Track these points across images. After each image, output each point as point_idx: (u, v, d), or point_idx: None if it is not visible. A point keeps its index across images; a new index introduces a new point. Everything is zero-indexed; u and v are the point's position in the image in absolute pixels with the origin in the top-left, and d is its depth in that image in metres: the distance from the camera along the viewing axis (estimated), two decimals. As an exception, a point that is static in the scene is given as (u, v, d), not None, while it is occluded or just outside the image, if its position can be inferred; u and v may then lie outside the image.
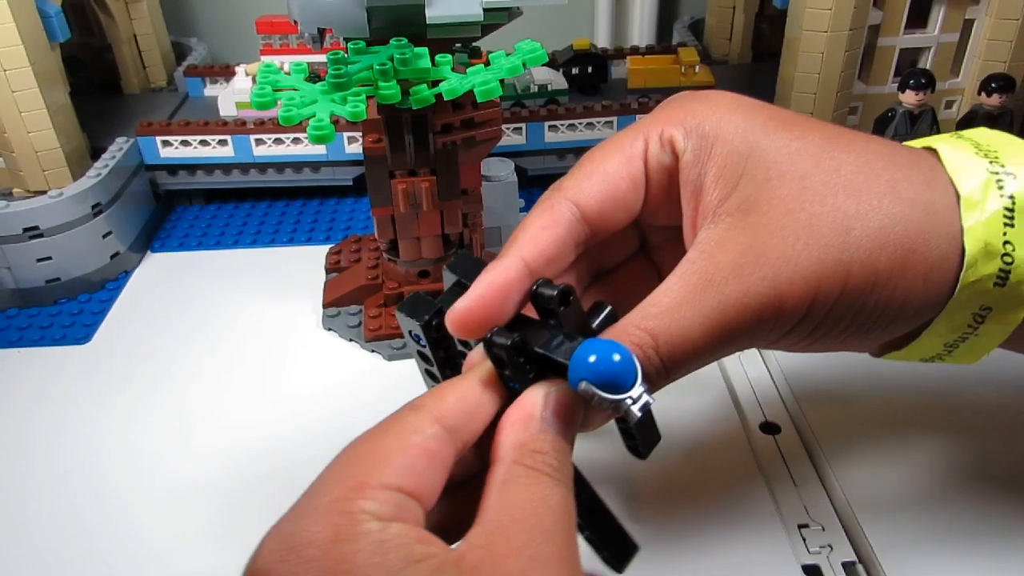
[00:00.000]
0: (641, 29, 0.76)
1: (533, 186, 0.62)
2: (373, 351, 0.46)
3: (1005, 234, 0.24)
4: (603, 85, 0.62)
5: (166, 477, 0.38)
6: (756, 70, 0.66)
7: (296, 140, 0.57)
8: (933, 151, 0.26)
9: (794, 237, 0.24)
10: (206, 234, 0.58)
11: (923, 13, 0.50)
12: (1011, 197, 0.25)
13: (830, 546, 0.34)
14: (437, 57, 0.36)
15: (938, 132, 0.47)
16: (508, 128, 0.57)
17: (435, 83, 0.36)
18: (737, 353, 0.36)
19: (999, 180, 0.25)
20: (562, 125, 0.57)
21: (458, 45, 0.40)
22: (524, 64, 0.35)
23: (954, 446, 0.38)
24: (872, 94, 0.52)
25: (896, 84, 0.51)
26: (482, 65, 0.36)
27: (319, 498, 0.20)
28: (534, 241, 0.26)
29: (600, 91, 0.62)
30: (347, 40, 0.37)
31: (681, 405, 0.41)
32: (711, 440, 0.39)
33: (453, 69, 0.37)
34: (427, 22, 0.36)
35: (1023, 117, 0.52)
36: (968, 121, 0.49)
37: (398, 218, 0.44)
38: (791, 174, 0.25)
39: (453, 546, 0.20)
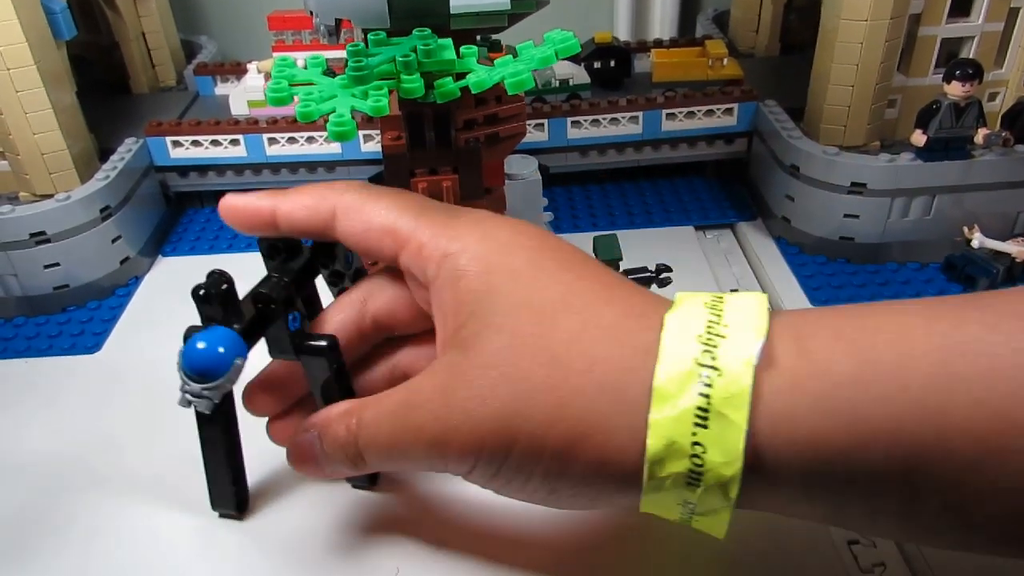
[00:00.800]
0: (663, 21, 0.74)
1: (555, 184, 0.60)
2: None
3: (695, 434, 0.23)
4: (626, 80, 0.60)
5: (184, 491, 0.36)
6: (784, 63, 0.64)
7: (311, 139, 0.55)
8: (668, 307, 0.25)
9: (479, 390, 0.25)
10: (218, 237, 0.57)
11: (966, 1, 0.47)
12: (707, 396, 0.23)
13: (883, 564, 0.32)
14: (462, 48, 0.34)
15: (984, 125, 0.45)
16: (530, 124, 0.55)
17: (460, 76, 0.34)
18: None
19: (703, 375, 0.23)
20: (585, 121, 0.55)
21: (478, 38, 0.38)
22: (556, 54, 0.33)
23: None
24: (912, 86, 0.50)
25: (937, 76, 0.48)
26: (509, 57, 0.34)
27: None
28: (292, 204, 0.31)
29: (623, 86, 0.60)
30: (366, 31, 0.35)
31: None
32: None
33: (479, 61, 0.35)
34: (451, 11, 0.34)
35: (1072, 109, 0.50)
36: (1015, 115, 0.47)
37: (419, 219, 0.42)
38: (508, 328, 0.25)
39: None
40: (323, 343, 0.31)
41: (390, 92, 0.33)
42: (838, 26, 0.47)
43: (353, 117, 0.31)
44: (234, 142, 0.55)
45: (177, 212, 0.59)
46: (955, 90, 0.44)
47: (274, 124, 0.55)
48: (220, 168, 0.57)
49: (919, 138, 0.46)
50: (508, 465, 0.25)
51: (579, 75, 0.58)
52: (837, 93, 0.49)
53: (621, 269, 0.40)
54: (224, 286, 0.30)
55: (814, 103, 0.51)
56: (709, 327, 0.24)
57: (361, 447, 0.28)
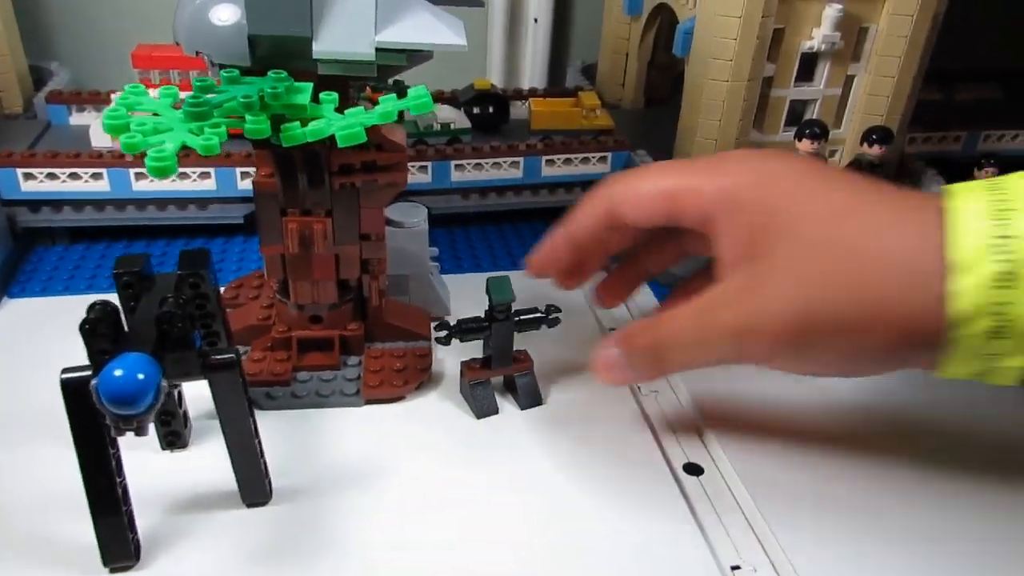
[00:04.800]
0: (533, 71, 0.77)
1: (437, 225, 0.61)
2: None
3: (999, 295, 0.26)
4: (504, 125, 0.62)
5: (59, 545, 0.33)
6: (649, 115, 0.69)
7: (183, 175, 0.53)
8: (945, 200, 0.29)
9: (778, 287, 0.30)
10: (73, 277, 0.53)
11: (811, 68, 0.53)
12: (1008, 261, 0.26)
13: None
14: (322, 95, 0.33)
15: (829, 179, 0.50)
16: (413, 166, 0.56)
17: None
18: (654, 394, 0.44)
19: (1000, 244, 0.26)
20: (468, 164, 0.56)
21: (390, 81, 0.38)
22: (408, 111, 0.33)
23: (882, 476, 0.39)
24: (766, 142, 0.55)
25: (788, 133, 0.53)
26: (393, 96, 0.34)
27: None
28: (576, 220, 0.38)
29: (501, 131, 0.62)
30: (222, 68, 0.34)
31: (607, 449, 0.41)
32: (636, 484, 0.39)
33: (356, 104, 0.34)
34: (313, 56, 0.34)
35: (896, 166, 0.56)
36: (854, 170, 0.53)
37: (289, 258, 0.42)
38: (793, 236, 0.30)
39: None
40: (231, 355, 0.32)
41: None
42: (704, 84, 0.51)
43: (226, 154, 0.30)
44: (96, 175, 0.51)
45: (25, 249, 0.55)
46: (805, 147, 0.49)
47: (142, 157, 0.52)
48: (78, 203, 0.53)
49: (775, 189, 0.50)
50: (808, 346, 0.30)
51: (460, 120, 0.59)
52: (702, 146, 0.53)
53: (513, 310, 0.41)
54: (112, 315, 0.30)
55: (680, 154, 0.55)
56: (996, 203, 0.27)
57: (665, 348, 0.33)
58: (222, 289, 0.50)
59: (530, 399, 0.43)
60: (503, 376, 0.44)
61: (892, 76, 0.52)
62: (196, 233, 0.57)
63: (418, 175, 0.56)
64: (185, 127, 0.31)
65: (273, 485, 0.37)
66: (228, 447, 0.35)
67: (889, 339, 0.29)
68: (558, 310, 0.43)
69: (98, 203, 0.53)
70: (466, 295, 0.51)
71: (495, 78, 0.77)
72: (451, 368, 0.46)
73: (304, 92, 0.33)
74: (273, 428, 0.42)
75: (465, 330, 0.41)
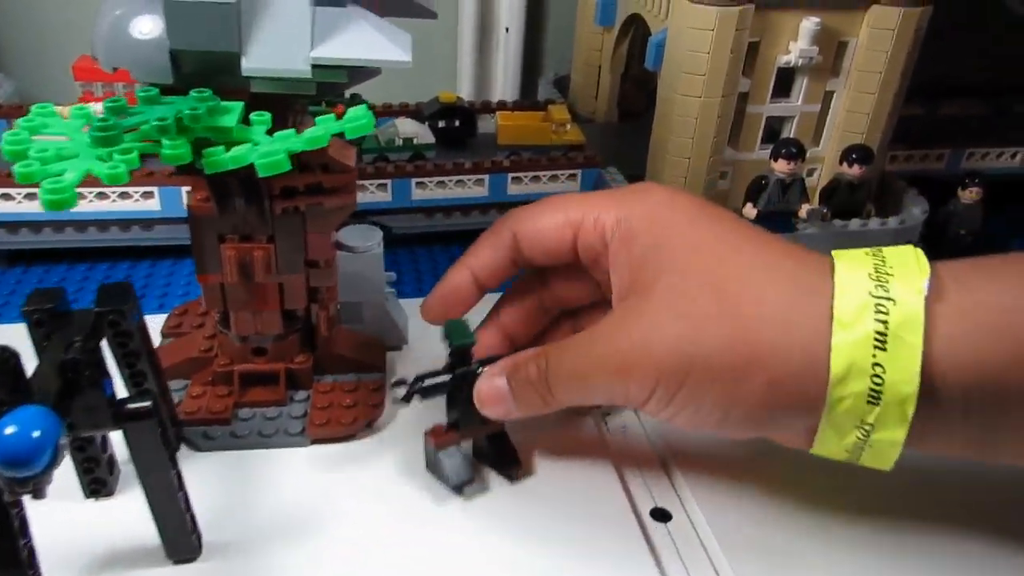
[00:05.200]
0: (505, 84, 0.74)
1: (398, 246, 0.58)
2: (183, 437, 0.39)
3: (875, 356, 0.26)
4: (471, 140, 0.59)
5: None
6: (623, 130, 0.66)
7: (124, 195, 0.50)
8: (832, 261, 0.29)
9: (655, 322, 0.29)
10: (8, 303, 0.49)
11: (788, 83, 0.51)
12: (884, 323, 0.26)
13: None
14: (253, 116, 0.31)
15: (807, 201, 0.48)
16: (371, 184, 0.53)
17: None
18: (623, 435, 0.41)
19: (878, 305, 0.27)
20: (430, 182, 0.53)
21: (347, 95, 0.36)
22: (344, 133, 0.30)
23: (854, 528, 0.37)
24: (742, 160, 0.52)
25: (764, 151, 0.51)
26: (331, 117, 0.31)
27: None
28: (479, 256, 0.36)
29: (468, 146, 0.59)
30: (142, 86, 0.31)
31: (568, 491, 0.38)
32: (598, 532, 0.36)
33: (297, 125, 0.32)
34: (243, 74, 0.31)
35: (878, 183, 0.54)
36: (832, 190, 0.50)
37: (228, 287, 0.39)
38: (679, 269, 0.30)
39: None
40: (148, 403, 0.29)
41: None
42: (675, 100, 0.48)
43: (170, 173, 0.27)
44: (30, 196, 0.48)
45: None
46: (781, 167, 0.46)
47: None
48: (12, 225, 0.50)
49: (750, 211, 0.48)
50: (684, 389, 0.29)
51: (423, 134, 0.56)
52: (674, 164, 0.50)
53: (475, 359, 0.36)
54: (9, 361, 0.27)
55: (653, 172, 0.52)
56: (876, 267, 0.28)
57: (550, 380, 0.32)
58: (164, 317, 0.47)
59: (508, 464, 0.38)
60: (473, 441, 0.38)
61: (872, 92, 0.49)
62: (143, 255, 0.54)
63: (377, 193, 0.53)
64: (93, 153, 0.28)
65: (204, 538, 0.34)
66: (148, 501, 0.32)
67: (765, 392, 0.28)
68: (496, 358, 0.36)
69: (34, 225, 0.50)
70: (424, 322, 0.49)
71: (465, 90, 0.74)
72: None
73: (231, 113, 0.30)
74: (209, 471, 0.39)
75: (428, 387, 0.36)
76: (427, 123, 0.57)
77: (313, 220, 0.39)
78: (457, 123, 0.58)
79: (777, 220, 0.48)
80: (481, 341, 0.37)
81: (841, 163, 0.49)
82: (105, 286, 0.33)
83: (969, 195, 0.57)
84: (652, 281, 0.30)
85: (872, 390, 0.27)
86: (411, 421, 0.42)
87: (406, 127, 0.55)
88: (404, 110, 0.60)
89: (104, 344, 0.32)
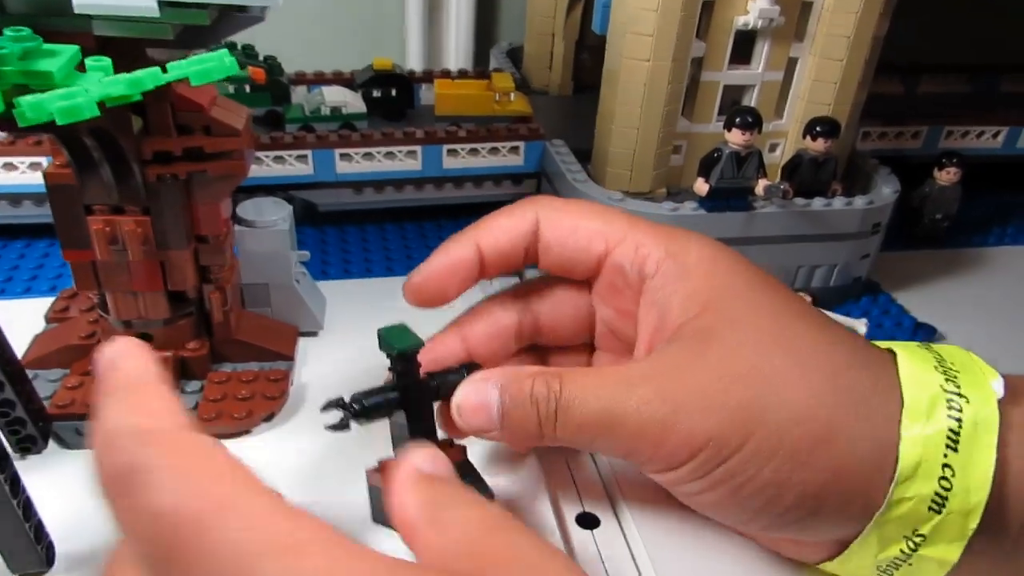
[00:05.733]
0: (456, 53, 0.70)
1: (327, 223, 0.53)
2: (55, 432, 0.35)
3: (945, 455, 0.24)
4: (410, 111, 0.54)
5: None
6: (578, 102, 0.61)
7: (9, 166, 0.45)
8: (891, 353, 0.26)
9: (720, 378, 0.25)
10: None
11: (748, 48, 0.46)
12: (958, 420, 0.24)
13: None
14: (89, 61, 0.26)
15: (765, 176, 0.43)
16: (291, 155, 0.48)
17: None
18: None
19: (950, 400, 0.24)
20: (357, 154, 0.49)
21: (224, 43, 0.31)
22: (189, 78, 0.25)
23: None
24: (696, 132, 0.48)
25: (720, 122, 0.47)
26: (182, 63, 0.26)
27: None
28: (493, 232, 0.30)
29: (406, 117, 0.54)
30: None
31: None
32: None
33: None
34: (74, 11, 0.26)
35: (847, 162, 0.50)
36: (794, 167, 0.46)
37: (100, 266, 0.34)
38: (751, 325, 0.26)
39: None
40: None
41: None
42: (621, 64, 0.44)
43: None
44: None
45: None
46: (735, 138, 0.42)
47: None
48: None
49: (701, 187, 0.43)
50: (735, 461, 0.24)
51: (354, 103, 0.51)
52: (622, 135, 0.46)
53: (433, 370, 0.29)
54: None
55: (600, 145, 0.48)
56: (939, 361, 0.25)
57: (562, 410, 0.26)
58: (51, 300, 0.42)
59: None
60: None
61: (840, 59, 0.45)
62: (40, 233, 0.49)
63: (297, 166, 0.48)
64: None
65: (60, 548, 0.30)
66: None
67: (827, 479, 0.24)
68: (477, 367, 0.30)
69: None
70: (351, 306, 0.44)
71: (414, 60, 0.69)
72: (315, 393, 0.39)
73: (56, 57, 0.25)
74: (79, 472, 0.34)
75: (367, 407, 0.28)
76: (360, 92, 0.53)
77: (199, 189, 0.35)
78: (393, 92, 0.53)
79: (731, 197, 0.43)
80: (435, 349, 0.30)
81: (804, 136, 0.45)
82: None
83: (946, 176, 0.52)
84: (712, 329, 0.26)
85: (937, 495, 0.24)
86: (317, 416, 0.37)
87: (334, 95, 0.51)
88: (338, 78, 0.55)
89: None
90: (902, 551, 0.25)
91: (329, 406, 0.28)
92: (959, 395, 0.24)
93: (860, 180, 0.50)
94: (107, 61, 0.26)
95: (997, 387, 0.24)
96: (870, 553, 0.25)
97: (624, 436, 0.26)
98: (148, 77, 0.24)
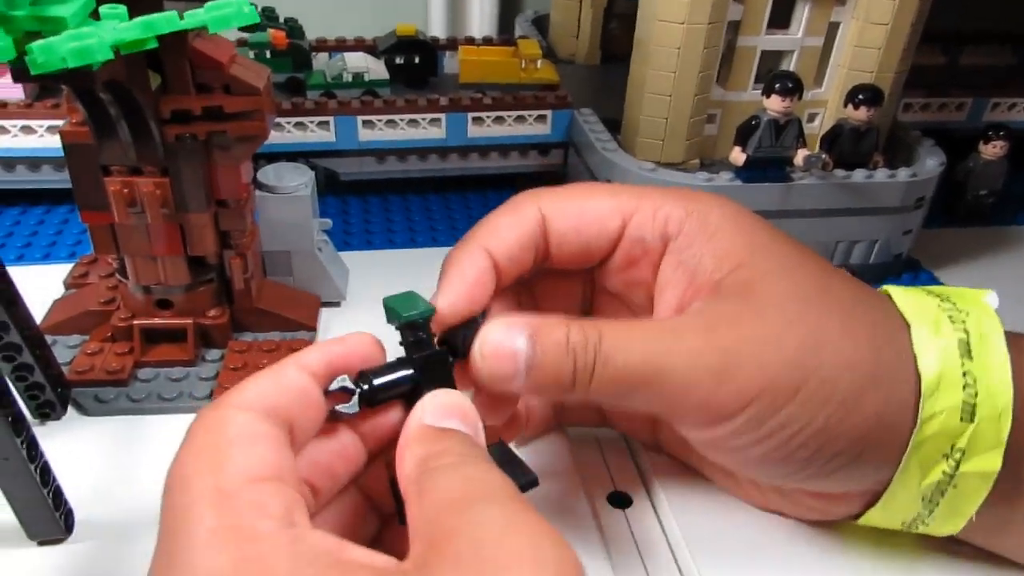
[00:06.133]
0: (481, 20, 0.68)
1: (349, 193, 0.52)
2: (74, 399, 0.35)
3: (963, 364, 0.24)
4: (432, 79, 0.53)
5: None
6: (605, 72, 0.60)
7: (27, 129, 0.44)
8: (884, 293, 0.27)
9: (771, 326, 0.24)
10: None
11: (787, 12, 0.44)
12: (964, 331, 0.25)
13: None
14: (104, 8, 0.24)
15: (804, 146, 0.42)
16: (313, 122, 0.47)
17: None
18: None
19: (951, 315, 0.25)
20: (379, 121, 0.47)
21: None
22: (207, 25, 0.24)
23: (825, 536, 0.31)
24: (732, 101, 0.46)
25: (757, 90, 0.45)
26: (200, 11, 0.25)
27: (190, 530, 0.18)
28: (501, 235, 0.27)
29: (429, 85, 0.53)
30: None
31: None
32: (548, 516, 0.31)
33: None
34: None
35: (888, 133, 0.48)
36: (834, 136, 0.44)
37: (119, 229, 0.33)
38: (792, 278, 0.26)
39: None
40: None
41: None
42: (654, 29, 0.42)
43: None
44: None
45: None
46: (774, 105, 0.40)
47: (2, 108, 0.43)
48: (-95, 158, 0.44)
49: (738, 156, 0.42)
50: (788, 410, 0.24)
51: (376, 69, 0.50)
52: (654, 103, 0.44)
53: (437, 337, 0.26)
54: None
55: (630, 114, 0.46)
56: (928, 292, 0.27)
57: (601, 361, 0.24)
58: (70, 266, 0.42)
59: (516, 476, 0.24)
60: None
61: (885, 23, 0.43)
62: (60, 199, 0.49)
63: (319, 132, 0.47)
64: None
65: (79, 516, 0.29)
66: None
67: (873, 423, 0.24)
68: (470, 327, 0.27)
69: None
70: (371, 277, 0.43)
71: (437, 27, 0.68)
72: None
73: (70, 2, 0.24)
74: (97, 439, 0.34)
75: (379, 387, 0.24)
76: (382, 58, 0.51)
77: (219, 151, 0.34)
78: (416, 59, 0.52)
79: (768, 167, 0.42)
80: (443, 312, 0.26)
81: (846, 105, 0.43)
82: None
83: (991, 150, 0.50)
84: (752, 282, 0.25)
85: (965, 403, 0.24)
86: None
87: (356, 61, 0.49)
88: (360, 45, 0.54)
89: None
90: (944, 472, 0.25)
91: (339, 391, 0.23)
92: (957, 310, 0.25)
93: (902, 152, 0.48)
94: (122, 8, 0.25)
95: (991, 300, 0.26)
96: (913, 484, 0.25)
97: (671, 388, 0.24)
98: (163, 21, 0.23)
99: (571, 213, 0.28)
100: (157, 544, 0.19)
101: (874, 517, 0.27)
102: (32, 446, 0.27)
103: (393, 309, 0.25)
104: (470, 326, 0.26)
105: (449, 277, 0.26)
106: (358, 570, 0.17)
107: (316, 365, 0.22)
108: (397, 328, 0.25)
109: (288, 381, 0.21)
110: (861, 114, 0.43)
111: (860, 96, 0.43)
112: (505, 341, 0.24)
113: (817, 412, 0.24)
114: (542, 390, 0.25)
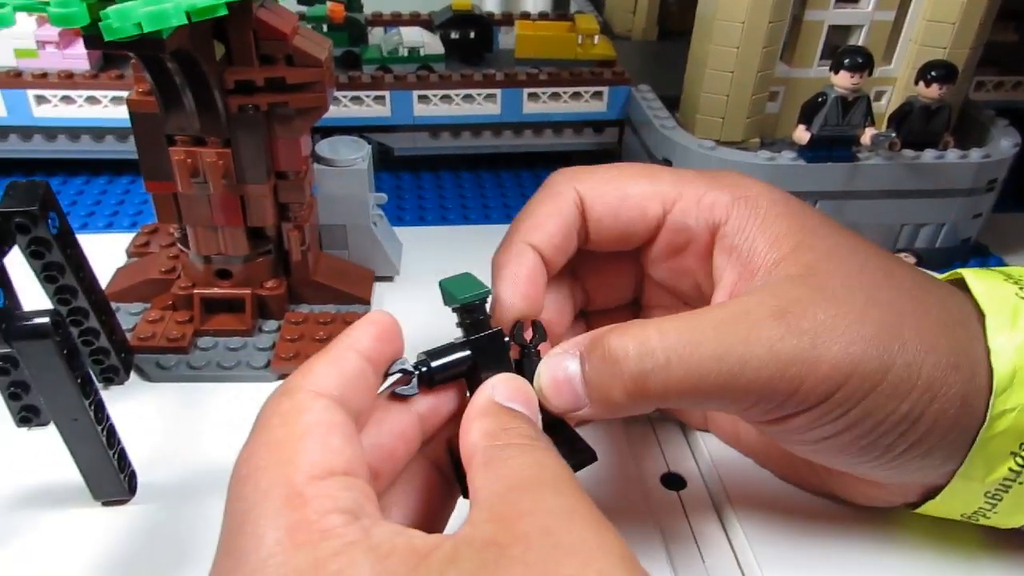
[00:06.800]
0: (536, -3, 0.67)
1: (402, 169, 0.52)
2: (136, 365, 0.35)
3: None
4: (487, 54, 0.53)
5: None
6: (663, 49, 0.59)
7: (92, 100, 0.45)
8: (959, 279, 0.26)
9: (849, 306, 0.23)
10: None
11: (857, -16, 0.43)
12: None
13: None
14: None
15: (872, 124, 0.40)
16: (369, 96, 0.47)
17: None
18: None
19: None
20: (434, 96, 0.47)
21: None
22: None
23: (882, 520, 0.30)
24: (795, 78, 0.45)
25: (823, 67, 0.43)
26: None
27: (260, 526, 0.18)
28: (542, 227, 0.27)
29: (484, 60, 0.52)
30: None
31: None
32: (601, 496, 0.31)
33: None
34: None
35: (960, 113, 0.46)
36: (903, 115, 0.43)
37: (182, 199, 0.34)
38: (849, 260, 0.25)
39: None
40: (46, 320, 0.24)
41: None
42: (718, 3, 0.41)
43: None
44: (-11, 96, 0.44)
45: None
46: (843, 81, 0.39)
47: (42, 78, 0.44)
48: (-25, 129, 0.45)
49: (802, 134, 0.40)
50: (875, 396, 0.23)
51: (432, 44, 0.50)
52: (715, 80, 0.43)
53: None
54: None
55: (690, 91, 0.45)
56: (1006, 277, 0.25)
57: (676, 361, 0.23)
58: (132, 235, 0.43)
59: (576, 454, 0.25)
60: None
61: (960, -3, 0.41)
62: (122, 169, 0.50)
63: (375, 107, 0.47)
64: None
65: (141, 479, 0.30)
66: (61, 435, 0.27)
67: (957, 410, 0.23)
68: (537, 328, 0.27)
69: (-1, 130, 0.45)
70: (424, 253, 0.43)
71: (491, 2, 0.67)
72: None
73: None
74: (159, 405, 0.34)
75: (437, 368, 0.24)
76: (438, 33, 0.51)
77: (279, 122, 0.34)
78: (472, 34, 0.52)
79: (834, 147, 0.40)
80: (503, 305, 0.26)
81: (917, 82, 0.42)
82: (14, 184, 0.28)
83: (1068, 131, 0.48)
84: (816, 265, 0.24)
85: None
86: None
87: (412, 36, 0.49)
88: (415, 19, 0.54)
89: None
90: (1011, 469, 0.24)
91: (400, 373, 0.23)
92: None
93: (974, 132, 0.46)
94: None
95: None
96: (977, 479, 0.24)
97: (753, 381, 0.23)
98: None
99: (610, 198, 0.27)
100: (221, 538, 0.19)
101: (932, 508, 0.27)
102: (99, 408, 0.28)
103: (449, 291, 0.25)
104: (537, 327, 0.26)
105: (503, 280, 0.26)
106: (432, 550, 0.17)
107: (369, 346, 0.22)
108: (454, 310, 0.25)
109: (350, 366, 0.21)
110: (933, 92, 0.41)
111: (933, 73, 0.41)
112: (557, 371, 0.24)
113: (903, 398, 0.23)
114: (611, 408, 0.24)
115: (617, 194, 0.27)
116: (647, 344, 0.23)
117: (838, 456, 0.25)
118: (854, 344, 0.23)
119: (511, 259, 0.26)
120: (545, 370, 0.24)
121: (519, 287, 0.26)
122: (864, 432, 0.23)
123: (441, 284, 0.25)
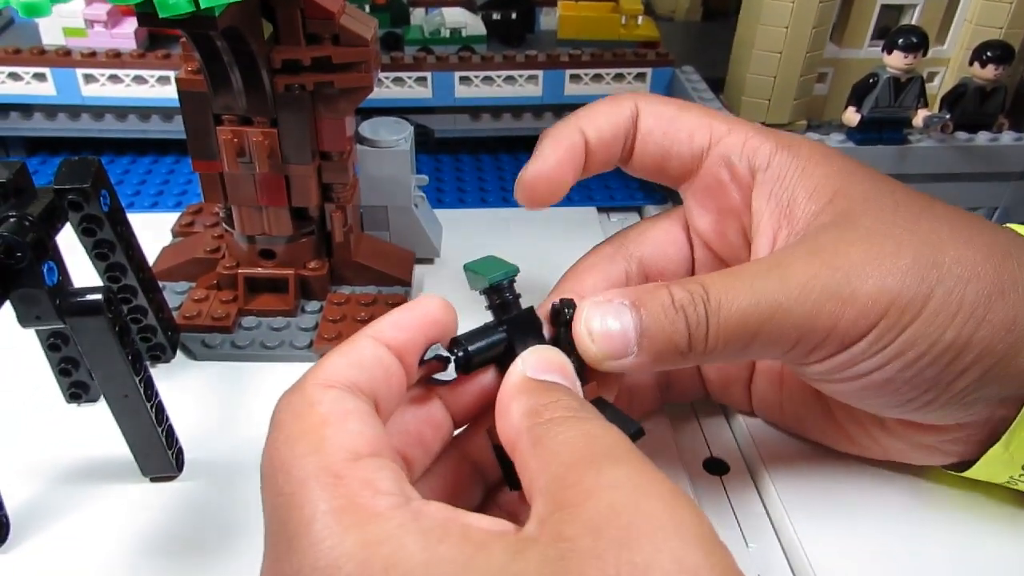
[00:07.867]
0: (577, -23, 0.66)
1: (442, 152, 0.52)
2: (182, 343, 0.36)
3: None
4: (529, 35, 0.52)
5: None
6: (707, 30, 0.58)
7: (139, 79, 0.45)
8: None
9: (886, 240, 0.23)
10: (22, 194, 0.46)
11: (911, -38, 0.42)
12: None
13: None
14: None
15: (925, 106, 0.39)
16: (411, 77, 0.47)
17: None
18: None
19: None
20: (476, 77, 0.47)
21: None
22: None
23: (926, 497, 0.30)
24: (845, 59, 0.44)
25: (874, 48, 0.42)
26: None
27: (305, 512, 0.17)
28: (596, 120, 0.28)
29: (526, 42, 0.52)
30: None
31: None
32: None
33: None
34: None
35: (1015, 94, 0.45)
36: (957, 96, 0.41)
37: (228, 178, 0.34)
38: (890, 204, 0.25)
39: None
40: (98, 297, 0.24)
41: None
42: (768, -20, 0.40)
43: None
44: (39, 76, 0.44)
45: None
46: (896, 61, 0.38)
47: (91, 57, 0.44)
48: (26, 108, 0.46)
49: (852, 116, 0.40)
50: (919, 323, 0.23)
51: (473, 25, 0.49)
52: (762, 61, 0.42)
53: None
54: None
55: (736, 72, 0.44)
56: None
57: (712, 312, 0.23)
58: (177, 215, 0.43)
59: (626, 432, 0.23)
60: None
61: (1019, -25, 0.40)
62: (167, 149, 0.50)
63: (416, 88, 0.47)
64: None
65: (188, 456, 0.31)
66: (112, 412, 0.28)
67: (1005, 333, 0.23)
68: (572, 305, 0.25)
69: (48, 109, 0.46)
70: (463, 235, 0.43)
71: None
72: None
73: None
74: (204, 383, 0.35)
75: (473, 352, 0.23)
76: (479, 14, 0.51)
77: (324, 103, 0.34)
78: (513, 15, 0.51)
79: (885, 129, 0.40)
80: (530, 175, 0.28)
81: (972, 63, 0.40)
82: (68, 161, 0.29)
83: None
84: (854, 211, 0.25)
85: None
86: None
87: (454, 16, 0.49)
88: (457, 0, 0.53)
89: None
90: None
91: (435, 360, 0.23)
92: None
93: (1029, 115, 0.45)
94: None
95: None
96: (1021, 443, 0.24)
97: (793, 322, 0.23)
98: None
99: (664, 116, 0.28)
100: (267, 538, 0.18)
101: (982, 470, 0.26)
102: (149, 385, 0.28)
103: (476, 273, 0.24)
104: (569, 305, 0.25)
105: (542, 146, 0.28)
106: (489, 540, 0.17)
107: (390, 335, 0.22)
108: (482, 292, 0.24)
109: (366, 354, 0.21)
110: (988, 73, 0.40)
111: (988, 53, 0.40)
112: (609, 314, 0.23)
113: (945, 326, 0.23)
114: (659, 359, 0.23)
115: (670, 114, 0.28)
116: (696, 293, 0.23)
117: (885, 393, 0.24)
118: (890, 276, 0.23)
119: (558, 132, 0.28)
120: (594, 315, 0.23)
121: (555, 153, 0.27)
122: (909, 363, 0.23)
123: (466, 267, 0.25)
